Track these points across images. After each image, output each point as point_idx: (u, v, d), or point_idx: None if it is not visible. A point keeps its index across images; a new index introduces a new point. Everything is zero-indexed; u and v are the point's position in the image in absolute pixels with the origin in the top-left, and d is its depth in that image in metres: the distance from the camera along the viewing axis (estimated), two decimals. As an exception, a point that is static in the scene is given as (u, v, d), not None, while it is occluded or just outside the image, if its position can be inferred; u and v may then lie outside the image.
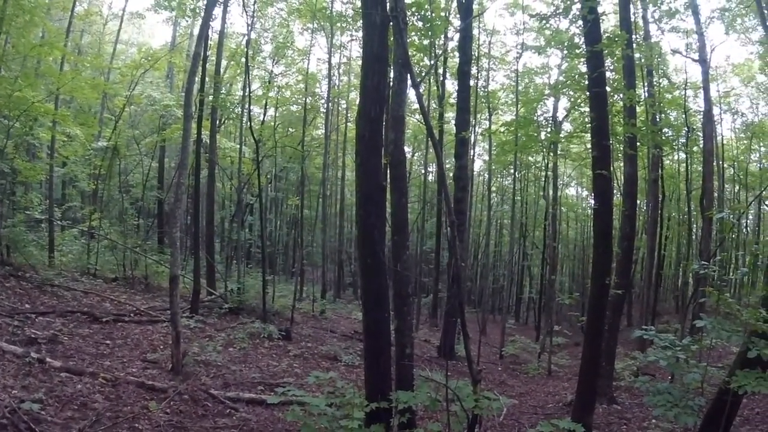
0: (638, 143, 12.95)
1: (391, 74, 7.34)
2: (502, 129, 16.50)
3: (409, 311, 6.42)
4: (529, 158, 24.84)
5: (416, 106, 22.89)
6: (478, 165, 32.02)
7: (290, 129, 27.96)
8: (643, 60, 15.84)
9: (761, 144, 27.25)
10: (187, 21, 22.24)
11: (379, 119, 5.67)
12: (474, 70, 20.76)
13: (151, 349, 9.70)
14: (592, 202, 8.74)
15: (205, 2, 13.52)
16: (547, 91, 18.91)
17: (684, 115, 21.65)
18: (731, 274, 20.64)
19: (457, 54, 16.39)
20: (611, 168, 8.20)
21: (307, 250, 30.04)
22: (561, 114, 20.66)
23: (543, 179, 24.13)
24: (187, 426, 6.57)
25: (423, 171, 29.82)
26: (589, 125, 8.89)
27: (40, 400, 6.00)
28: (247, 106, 18.20)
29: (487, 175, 28.18)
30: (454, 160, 15.60)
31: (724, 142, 29.19)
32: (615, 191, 18.98)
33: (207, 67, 16.54)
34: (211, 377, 8.92)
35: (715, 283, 5.13)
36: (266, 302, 14.24)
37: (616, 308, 10.64)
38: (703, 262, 5.85)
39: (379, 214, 5.63)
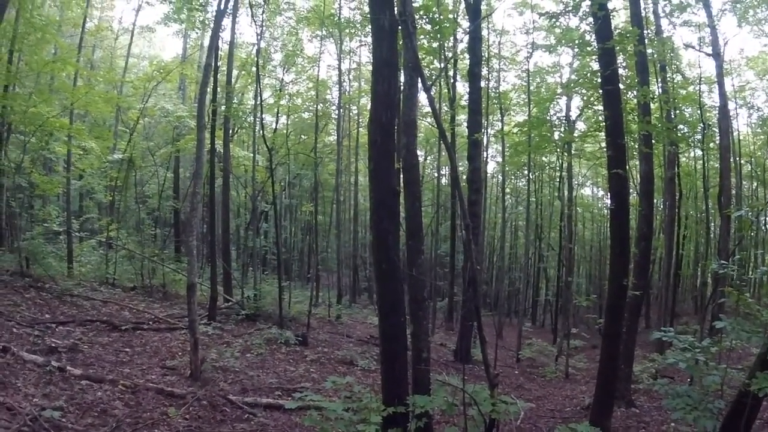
0: (653, 141, 12.80)
1: (402, 78, 7.33)
2: (514, 130, 16.40)
3: (424, 315, 6.40)
4: (543, 159, 24.66)
5: (428, 109, 22.94)
6: (491, 167, 31.87)
7: (302, 136, 28.09)
8: (655, 56, 15.65)
9: None
10: (197, 33, 22.49)
11: (391, 124, 5.67)
12: (484, 72, 20.70)
13: (170, 356, 9.79)
14: (608, 201, 8.67)
15: (214, 14, 13.66)
16: (559, 91, 18.76)
17: (699, 111, 21.33)
18: (751, 273, 20.29)
19: (466, 56, 16.35)
20: (627, 167, 8.09)
21: (322, 255, 30.13)
22: (574, 113, 20.51)
23: (557, 180, 23.91)
24: (206, 431, 6.62)
25: (436, 174, 29.75)
26: (603, 124, 8.82)
27: (60, 407, 6.07)
28: (259, 114, 18.33)
29: (500, 177, 28.00)
30: (467, 162, 15.52)
31: (741, 137, 28.74)
32: (631, 190, 18.83)
33: (218, 77, 16.69)
34: (229, 383, 8.98)
35: (734, 283, 5.03)
36: (282, 308, 14.29)
37: (634, 310, 10.49)
38: (722, 262, 5.76)
39: (392, 219, 5.63)
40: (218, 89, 16.15)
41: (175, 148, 21.44)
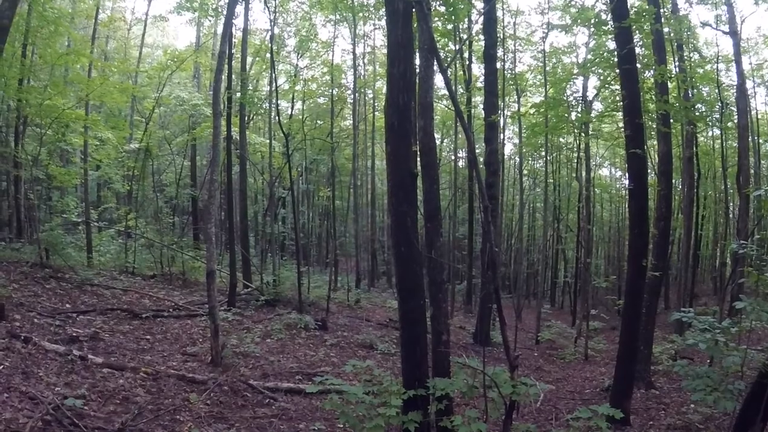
0: (671, 120, 12.59)
1: (417, 61, 7.27)
2: (531, 111, 16.22)
3: (444, 298, 6.39)
4: (560, 140, 24.43)
5: (444, 92, 22.75)
6: (508, 149, 31.60)
7: (318, 121, 28.10)
8: (672, 34, 15.34)
9: None
10: (210, 21, 22.48)
11: (408, 106, 5.64)
12: (500, 53, 20.42)
13: (191, 343, 9.93)
14: (626, 182, 8.57)
15: (227, 1, 13.62)
16: (575, 71, 18.50)
17: (717, 90, 20.92)
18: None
19: (482, 37, 16.14)
20: (644, 146, 8.00)
21: (340, 240, 30.25)
22: (591, 93, 20.20)
23: (575, 161, 23.64)
24: (227, 416, 6.71)
25: (453, 157, 29.60)
26: (620, 103, 8.70)
27: (82, 395, 6.18)
28: (274, 100, 18.36)
29: (518, 159, 27.80)
30: (483, 145, 15.40)
31: (759, 116, 28.20)
32: (649, 170, 18.57)
33: (232, 64, 16.70)
34: (250, 368, 9.09)
35: (754, 263, 4.96)
36: (301, 293, 14.41)
37: (654, 291, 10.40)
38: (741, 242, 5.67)
39: (410, 202, 5.63)
40: (233, 76, 16.16)
41: (191, 137, 21.57)
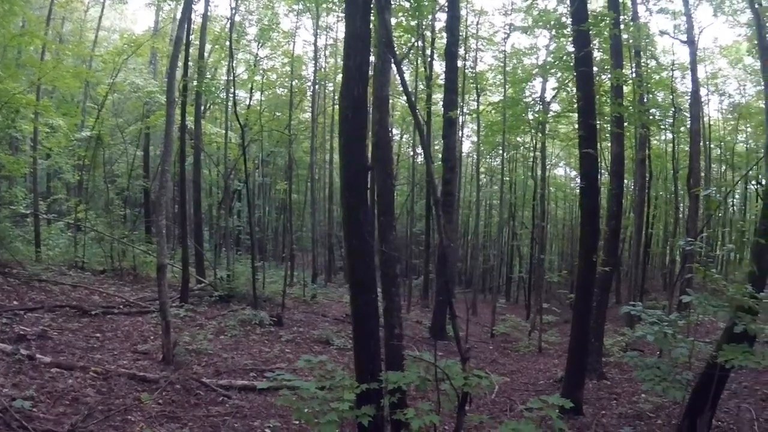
0: (626, 123, 12.98)
1: (375, 54, 7.24)
2: (490, 109, 16.48)
3: (396, 292, 6.40)
4: (518, 139, 24.84)
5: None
6: (467, 146, 32.06)
7: (277, 113, 27.71)
8: (631, 41, 15.84)
9: (748, 125, 27.44)
10: (170, 5, 21.82)
11: (362, 99, 5.60)
12: (462, 51, 20.64)
13: (142, 341, 9.66)
14: (580, 181, 8.79)
15: (186, -15, 13.26)
16: (535, 72, 18.86)
17: (671, 96, 21.73)
18: (718, 251, 20.91)
19: (445, 35, 16.28)
20: (598, 147, 8.23)
21: (297, 234, 29.98)
22: (549, 95, 20.67)
23: (531, 160, 24.15)
24: (180, 415, 6.55)
25: (411, 153, 29.75)
26: (577, 105, 8.90)
27: (31, 397, 5.94)
28: (232, 90, 18.00)
29: (476, 157, 28.14)
30: (442, 141, 15.55)
31: (711, 122, 29.52)
32: (603, 171, 19.13)
33: (191, 51, 16.29)
34: (203, 366, 8.90)
35: (701, 259, 5.17)
36: (256, 289, 14.21)
37: (604, 285, 10.73)
38: (688, 239, 5.89)
39: (363, 196, 5.58)
40: (190, 63, 15.76)
41: (145, 125, 20.95)
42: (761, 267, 6.01)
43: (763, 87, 16.92)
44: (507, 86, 20.79)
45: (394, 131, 29.17)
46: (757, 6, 14.32)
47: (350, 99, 5.45)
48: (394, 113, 26.81)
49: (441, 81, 19.02)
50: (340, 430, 5.20)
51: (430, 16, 17.95)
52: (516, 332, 16.97)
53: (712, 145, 28.60)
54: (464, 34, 21.13)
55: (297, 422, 6.49)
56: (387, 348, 5.97)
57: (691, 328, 5.71)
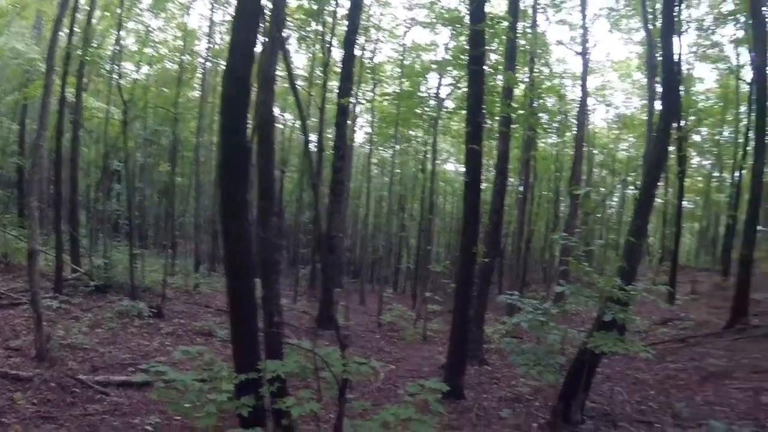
0: (516, 125, 13.61)
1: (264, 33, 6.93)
2: (384, 100, 16.63)
3: (276, 279, 6.21)
4: (410, 132, 25.29)
5: (301, 72, 22.41)
6: (360, 137, 32.07)
7: (164, 89, 26.00)
8: (528, 47, 16.62)
9: (630, 135, 29.92)
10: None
11: (247, 78, 5.35)
12: (361, 40, 20.58)
13: (13, 336, 8.84)
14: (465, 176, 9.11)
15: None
16: (433, 67, 19.28)
17: (560, 103, 23.16)
18: (592, 247, 22.77)
19: (346, 22, 16.12)
20: (488, 146, 8.54)
21: (180, 221, 28.44)
22: (445, 92, 21.19)
23: (422, 154, 24.69)
24: (56, 415, 6.07)
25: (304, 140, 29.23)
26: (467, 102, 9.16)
27: None
28: (118, 61, 16.57)
29: (368, 147, 28.29)
30: (335, 129, 15.42)
31: (597, 130, 32.07)
32: (491, 169, 19.99)
33: (78, 17, 14.74)
34: (79, 361, 8.29)
35: (576, 254, 5.52)
36: (135, 278, 13.30)
37: (485, 276, 11.22)
38: (564, 234, 6.28)
39: (243, 177, 5.33)
40: (76, 29, 14.25)
41: (22, 95, 18.78)
42: (630, 263, 6.56)
43: (647, 102, 18.39)
44: (404, 79, 21.03)
45: (287, 116, 28.54)
46: (650, 27, 15.60)
47: (234, 77, 5.21)
48: (288, 97, 26.27)
49: (338, 68, 18.86)
50: (221, 423, 5.02)
51: (333, 2, 17.72)
52: (402, 321, 17.30)
53: (595, 151, 31.07)
54: (366, 23, 21.05)
55: (179, 417, 6.18)
56: (266, 337, 5.77)
57: (567, 317, 6.10)
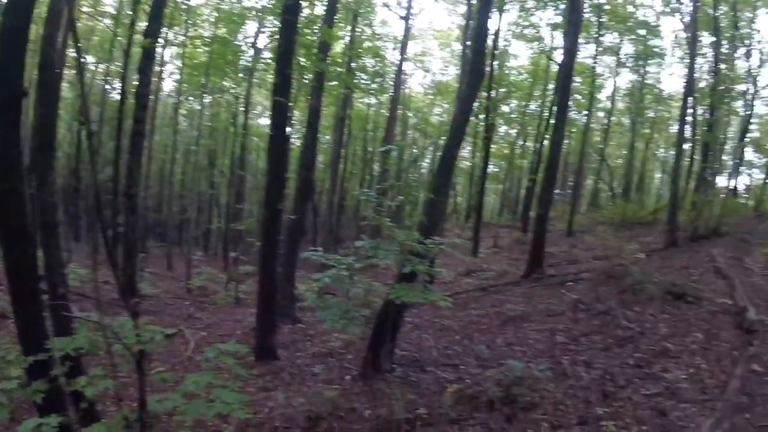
0: (334, 82, 13.51)
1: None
2: (197, 46, 15.43)
3: (57, 244, 5.41)
4: (224, 83, 23.95)
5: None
6: (169, 85, 29.45)
7: None
8: (352, 4, 16.45)
9: (444, 101, 31.54)
10: None
11: (29, 7, 4.47)
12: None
13: None
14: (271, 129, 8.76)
15: None
16: (251, 14, 18.28)
17: (380, 64, 23.59)
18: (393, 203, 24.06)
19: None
20: (290, 96, 8.36)
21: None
22: (263, 42, 20.23)
23: (235, 107, 23.61)
24: None
25: (108, 87, 26.10)
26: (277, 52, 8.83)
27: None
28: None
29: (177, 97, 26.12)
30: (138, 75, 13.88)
31: (413, 94, 33.38)
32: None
33: None
34: None
35: (378, 209, 5.69)
36: None
37: (294, 233, 11.15)
38: (365, 190, 6.45)
39: (14, 126, 4.48)
40: None
41: None
42: (431, 218, 6.97)
43: (460, 71, 19.37)
44: (220, 24, 19.67)
45: (89, 57, 25.08)
46: (473, 1, 16.34)
47: (13, 5, 4.28)
48: (92, 37, 23.21)
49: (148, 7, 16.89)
50: (16, 414, 4.43)
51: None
52: (213, 284, 16.72)
53: (410, 114, 32.41)
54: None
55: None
56: (52, 311, 5.07)
57: (379, 272, 6.33)
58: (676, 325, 8.03)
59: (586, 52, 24.03)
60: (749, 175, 30.41)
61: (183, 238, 28.82)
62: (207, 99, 22.93)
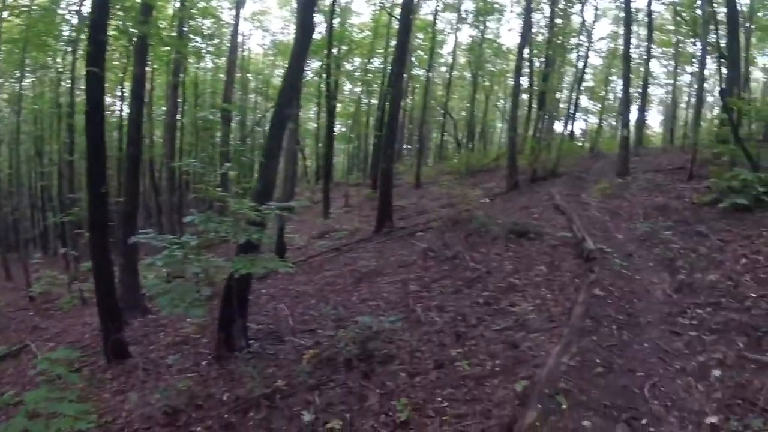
0: (166, 47, 12.32)
1: None
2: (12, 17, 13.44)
3: None
4: (48, 59, 21.20)
5: None
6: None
7: None
8: None
9: (286, 61, 30.52)
10: None
11: None
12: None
13: None
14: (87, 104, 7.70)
15: None
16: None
17: (216, 26, 22.20)
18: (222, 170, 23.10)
19: None
20: (104, 67, 7.44)
21: None
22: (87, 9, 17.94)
23: (61, 83, 21.06)
24: None
25: None
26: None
27: None
28: None
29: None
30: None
31: (252, 56, 31.84)
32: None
33: None
34: None
35: (205, 180, 5.27)
36: None
37: (128, 217, 10.17)
38: (191, 161, 5.97)
39: None
40: None
41: None
42: (265, 183, 6.64)
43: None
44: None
45: None
46: None
47: None
48: None
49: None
50: None
51: None
52: (57, 288, 15.18)
53: (250, 76, 31.02)
54: None
55: None
56: None
57: (226, 247, 5.93)
58: (521, 261, 8.59)
59: (427, 9, 24.46)
60: (585, 120, 33.74)
61: (20, 240, 25.54)
62: (28, 79, 20.05)
